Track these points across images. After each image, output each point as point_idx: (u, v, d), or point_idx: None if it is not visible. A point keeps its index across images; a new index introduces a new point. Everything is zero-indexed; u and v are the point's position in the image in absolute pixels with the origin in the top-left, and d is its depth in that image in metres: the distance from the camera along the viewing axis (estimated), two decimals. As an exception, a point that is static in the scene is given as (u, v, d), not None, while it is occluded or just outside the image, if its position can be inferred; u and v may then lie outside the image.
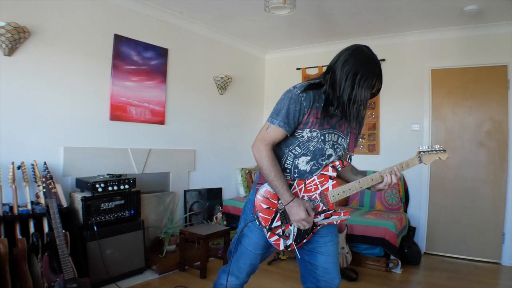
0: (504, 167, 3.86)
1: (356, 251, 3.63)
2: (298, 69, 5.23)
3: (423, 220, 4.25)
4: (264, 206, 1.58)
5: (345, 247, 3.34)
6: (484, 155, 3.98)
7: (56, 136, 3.08)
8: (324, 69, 5.32)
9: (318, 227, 1.67)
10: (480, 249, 3.92)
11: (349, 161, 1.72)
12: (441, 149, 1.65)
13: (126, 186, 3.15)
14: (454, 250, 4.06)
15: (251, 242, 1.68)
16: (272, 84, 5.60)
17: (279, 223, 1.60)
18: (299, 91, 1.54)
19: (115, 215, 3.07)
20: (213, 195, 4.64)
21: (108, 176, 3.22)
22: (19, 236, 2.49)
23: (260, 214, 1.58)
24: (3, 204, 2.58)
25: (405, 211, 4.32)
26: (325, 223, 1.65)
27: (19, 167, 2.69)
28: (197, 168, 4.47)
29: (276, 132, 1.55)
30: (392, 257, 3.54)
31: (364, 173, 1.72)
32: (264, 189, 1.59)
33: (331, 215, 1.63)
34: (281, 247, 1.63)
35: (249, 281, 1.83)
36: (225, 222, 4.40)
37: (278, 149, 1.63)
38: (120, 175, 3.23)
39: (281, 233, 1.60)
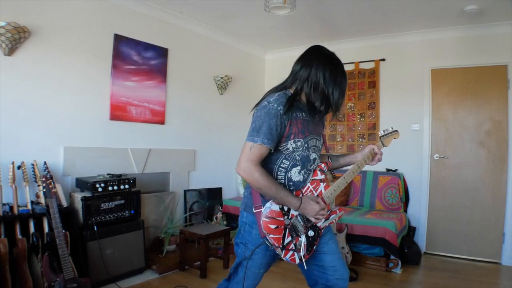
0: (504, 167, 3.86)
1: (356, 251, 3.63)
2: (298, 69, 5.23)
3: (423, 220, 4.25)
4: (273, 226, 1.55)
5: (345, 247, 3.34)
6: (484, 155, 3.98)
7: (56, 136, 3.08)
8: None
9: (322, 230, 1.70)
10: (480, 249, 3.92)
11: (330, 160, 1.81)
12: (394, 130, 1.92)
13: (126, 186, 3.15)
14: (454, 250, 4.06)
15: (255, 264, 1.66)
16: (272, 84, 5.48)
17: (290, 238, 1.59)
18: (275, 105, 1.54)
19: (115, 215, 3.07)
20: (213, 195, 4.64)
21: (108, 176, 3.22)
22: (19, 236, 2.49)
23: (271, 235, 1.55)
24: (3, 204, 2.58)
25: (405, 211, 4.32)
26: (327, 224, 1.70)
27: (19, 167, 2.69)
28: (197, 168, 4.47)
29: (261, 150, 1.53)
30: (392, 257, 3.54)
31: (337, 155, 1.92)
32: (268, 210, 1.55)
33: (329, 215, 1.68)
34: (297, 261, 1.63)
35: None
36: (225, 222, 4.40)
37: (264, 169, 1.58)
38: (120, 175, 3.23)
39: (294, 248, 1.60)
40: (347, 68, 4.77)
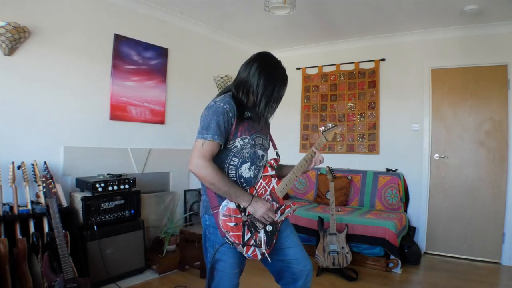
0: (504, 167, 3.86)
1: (356, 251, 3.63)
2: (298, 69, 5.23)
3: (423, 220, 4.25)
4: (231, 224, 1.58)
5: (345, 247, 3.34)
6: (484, 155, 3.98)
7: (56, 136, 3.08)
8: (324, 69, 5.27)
9: (280, 224, 1.75)
10: (480, 249, 3.92)
11: (278, 157, 1.85)
12: (334, 125, 1.94)
13: (126, 186, 3.15)
14: (454, 250, 4.06)
15: (227, 264, 1.66)
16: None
17: (249, 234, 1.62)
18: (222, 104, 1.60)
19: (115, 215, 3.07)
20: (213, 195, 4.63)
21: (108, 176, 3.22)
22: (19, 236, 2.50)
23: (230, 233, 1.57)
24: (3, 204, 2.58)
25: (405, 211, 4.32)
26: (283, 218, 1.76)
27: (19, 167, 2.69)
28: (197, 168, 4.46)
29: (212, 146, 1.58)
30: (392, 257, 3.54)
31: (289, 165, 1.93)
32: (225, 209, 1.58)
33: (284, 209, 1.75)
34: (259, 257, 1.66)
35: (248, 281, 1.82)
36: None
37: None
38: (120, 175, 3.23)
39: (254, 243, 1.63)
40: (347, 68, 4.81)
